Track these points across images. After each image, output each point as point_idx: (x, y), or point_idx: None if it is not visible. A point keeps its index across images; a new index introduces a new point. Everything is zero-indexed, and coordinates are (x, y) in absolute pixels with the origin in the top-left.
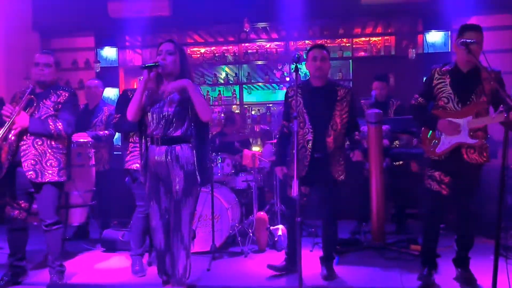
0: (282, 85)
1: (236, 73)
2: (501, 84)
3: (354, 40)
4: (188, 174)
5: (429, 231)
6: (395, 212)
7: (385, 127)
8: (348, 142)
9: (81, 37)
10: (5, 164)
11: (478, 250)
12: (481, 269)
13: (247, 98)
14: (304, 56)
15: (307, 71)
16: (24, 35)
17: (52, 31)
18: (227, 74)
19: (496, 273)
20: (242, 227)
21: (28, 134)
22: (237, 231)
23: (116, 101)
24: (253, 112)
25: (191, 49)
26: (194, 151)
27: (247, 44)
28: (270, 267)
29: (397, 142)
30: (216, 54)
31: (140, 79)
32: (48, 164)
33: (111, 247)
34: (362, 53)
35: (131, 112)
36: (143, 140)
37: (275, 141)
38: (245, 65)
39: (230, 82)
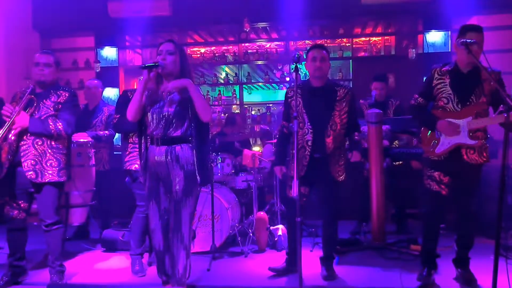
0: (282, 85)
1: (236, 73)
2: (501, 84)
3: (354, 40)
4: (188, 174)
5: (428, 231)
6: (395, 212)
7: (385, 127)
8: (347, 143)
9: (81, 37)
10: (5, 164)
11: (478, 250)
12: (481, 269)
13: (247, 98)
14: (304, 56)
15: (307, 71)
16: (24, 35)
17: (52, 31)
18: (227, 74)
19: (496, 273)
20: (242, 227)
21: (28, 134)
22: (237, 231)
23: (116, 101)
24: (253, 112)
25: (191, 49)
26: (194, 151)
27: (247, 44)
28: (272, 269)
29: (396, 142)
30: (216, 54)
31: (140, 79)
32: (48, 164)
33: (111, 247)
34: (362, 53)
35: (131, 112)
36: (142, 140)
37: (275, 141)
38: (245, 65)
39: (230, 82)
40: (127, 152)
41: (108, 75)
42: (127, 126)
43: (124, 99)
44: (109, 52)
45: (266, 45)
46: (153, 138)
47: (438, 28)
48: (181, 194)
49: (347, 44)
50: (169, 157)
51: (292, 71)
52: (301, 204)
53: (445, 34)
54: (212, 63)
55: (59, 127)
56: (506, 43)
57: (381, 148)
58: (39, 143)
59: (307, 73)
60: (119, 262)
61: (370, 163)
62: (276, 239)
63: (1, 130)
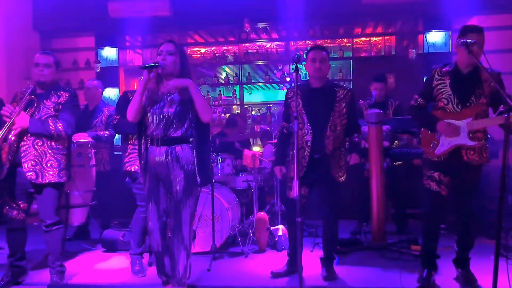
0: (282, 85)
1: (236, 73)
2: (501, 85)
3: (355, 40)
4: (189, 175)
5: (428, 232)
6: (395, 212)
7: (385, 127)
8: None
9: (81, 37)
10: (5, 165)
11: (478, 250)
12: (481, 270)
13: (248, 98)
14: (304, 56)
15: (307, 72)
16: (25, 35)
17: (53, 31)
18: (227, 74)
19: (497, 274)
20: (242, 227)
21: (29, 135)
22: (237, 231)
23: (116, 101)
24: (253, 112)
25: (192, 49)
26: (195, 152)
27: (247, 44)
28: (274, 274)
29: (396, 142)
30: (217, 54)
31: (140, 80)
32: (49, 165)
33: (112, 247)
34: (362, 53)
35: (131, 113)
36: (142, 141)
37: (275, 141)
38: (245, 65)
39: (231, 82)
40: (127, 153)
41: (108, 75)
42: (127, 128)
43: (124, 100)
44: (110, 52)
45: (267, 45)
46: (153, 139)
47: (438, 28)
48: (181, 195)
49: (348, 44)
50: (169, 158)
51: (293, 71)
52: (302, 205)
53: (445, 34)
54: (212, 63)
55: (59, 127)
56: (506, 43)
57: (381, 148)
58: (39, 144)
59: (307, 74)
60: (119, 262)
61: (370, 163)
62: (276, 239)
63: (1, 131)
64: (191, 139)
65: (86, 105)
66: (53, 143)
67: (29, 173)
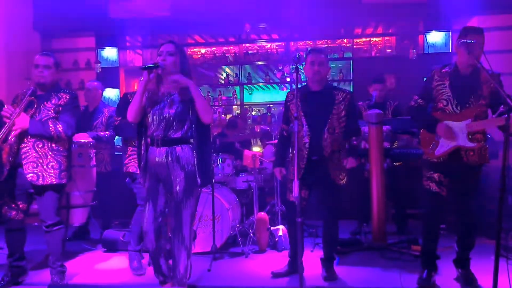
0: (282, 86)
1: (236, 74)
2: (500, 86)
3: (355, 40)
4: (189, 175)
5: (428, 232)
6: (395, 213)
7: (385, 127)
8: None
9: (81, 37)
10: (6, 166)
11: (479, 250)
12: (481, 270)
13: (248, 98)
14: (305, 57)
15: (306, 76)
16: (25, 35)
17: (53, 32)
18: (227, 75)
19: (497, 274)
20: (242, 228)
21: (29, 137)
22: (237, 231)
23: (116, 102)
24: (253, 113)
25: (192, 50)
26: (195, 152)
27: (247, 45)
28: (275, 274)
29: (396, 142)
30: (217, 55)
31: (140, 80)
32: (49, 167)
33: (112, 247)
34: (363, 54)
35: (131, 113)
36: (142, 142)
37: (275, 141)
38: (245, 66)
39: (231, 82)
40: (127, 155)
41: (109, 76)
42: (128, 131)
43: (124, 102)
44: (110, 53)
45: (267, 45)
46: (153, 139)
47: (438, 28)
48: (182, 195)
49: (348, 45)
50: (169, 158)
51: (293, 71)
52: (302, 207)
53: (445, 35)
54: (212, 64)
55: (59, 129)
56: (506, 44)
57: (381, 148)
58: (40, 146)
59: (306, 77)
60: (119, 262)
61: (370, 164)
62: (276, 239)
63: (1, 132)
64: (191, 140)
65: (86, 106)
66: (53, 145)
67: (30, 175)
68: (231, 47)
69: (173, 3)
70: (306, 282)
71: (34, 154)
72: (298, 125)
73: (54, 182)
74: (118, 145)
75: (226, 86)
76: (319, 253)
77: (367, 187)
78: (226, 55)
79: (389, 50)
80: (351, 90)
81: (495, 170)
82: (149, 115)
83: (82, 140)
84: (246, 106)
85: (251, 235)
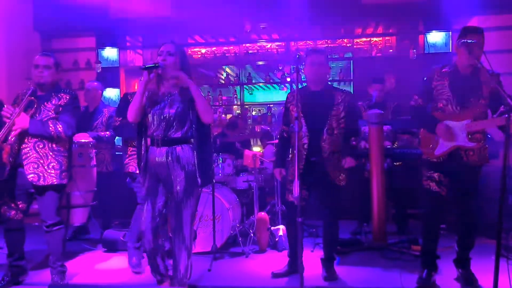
0: (283, 86)
1: (237, 74)
2: (499, 87)
3: (355, 40)
4: (189, 175)
5: (428, 232)
6: (396, 213)
7: (386, 127)
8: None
9: (82, 37)
10: (7, 166)
11: (479, 250)
12: (482, 270)
13: (248, 98)
14: (305, 57)
15: (305, 76)
16: (25, 35)
17: (53, 32)
18: (228, 75)
19: (497, 274)
20: (243, 228)
21: (30, 137)
22: (238, 231)
23: (117, 102)
24: (253, 113)
25: (192, 50)
26: (195, 152)
27: (248, 45)
28: (275, 275)
29: (396, 143)
30: (217, 55)
31: (141, 80)
32: (50, 167)
33: (112, 247)
34: (363, 54)
35: (131, 113)
36: (142, 142)
37: (276, 141)
38: (246, 66)
39: (231, 82)
40: (127, 155)
41: (109, 76)
42: (128, 131)
43: (124, 102)
44: (110, 53)
45: (267, 45)
46: (154, 139)
47: (438, 28)
48: (182, 195)
49: (348, 45)
50: (169, 158)
51: (293, 71)
52: (301, 207)
53: (446, 35)
54: (213, 64)
55: (59, 129)
56: (506, 44)
57: (382, 148)
58: (40, 146)
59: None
60: (120, 262)
61: (371, 164)
62: (277, 239)
63: (1, 131)
64: (191, 140)
65: (86, 106)
66: (54, 145)
67: (31, 176)
68: (232, 47)
69: (174, 3)
70: (306, 282)
71: (34, 155)
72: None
73: (55, 183)
74: (119, 145)
75: (227, 86)
76: (319, 253)
77: (367, 187)
78: (227, 55)
79: (390, 50)
80: (351, 90)
81: (495, 170)
82: (149, 115)
83: (83, 140)
84: (246, 106)
85: (252, 235)
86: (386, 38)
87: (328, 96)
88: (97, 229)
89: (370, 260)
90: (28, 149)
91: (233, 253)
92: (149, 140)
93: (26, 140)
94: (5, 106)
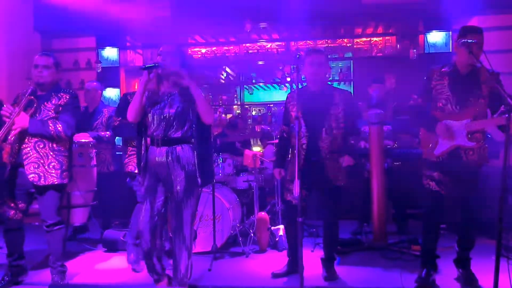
0: (283, 85)
1: (237, 73)
2: (499, 86)
3: (355, 40)
4: (189, 175)
5: (428, 232)
6: (396, 212)
7: (386, 127)
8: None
9: (82, 37)
10: (7, 166)
11: (479, 250)
12: (482, 270)
13: (248, 98)
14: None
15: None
16: (26, 35)
17: (53, 32)
18: (228, 74)
19: (498, 274)
20: (243, 227)
21: (30, 137)
22: (238, 231)
23: (117, 102)
24: (253, 113)
25: (192, 50)
26: (195, 152)
27: (248, 45)
28: (275, 275)
29: (395, 143)
30: (217, 55)
31: (141, 80)
32: (51, 167)
33: (112, 247)
34: (363, 54)
35: (131, 113)
36: (142, 141)
37: (276, 141)
38: (246, 65)
39: (231, 82)
40: (127, 155)
41: (109, 76)
42: (127, 131)
43: (124, 102)
44: (110, 53)
45: (267, 45)
46: (154, 139)
47: (439, 28)
48: (182, 195)
49: (348, 45)
50: (170, 158)
51: (293, 71)
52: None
53: (446, 35)
54: (213, 64)
55: (59, 128)
56: (506, 44)
57: (382, 148)
58: (41, 146)
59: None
60: (120, 262)
61: (371, 164)
62: (277, 239)
63: (1, 131)
64: (192, 140)
65: (86, 107)
66: (54, 145)
67: (32, 176)
68: (232, 47)
69: (174, 3)
70: (306, 282)
71: (35, 155)
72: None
73: (56, 182)
74: (119, 145)
75: (227, 86)
76: (319, 253)
77: (367, 187)
78: (227, 55)
79: (390, 50)
80: (351, 90)
81: (495, 170)
82: (149, 115)
83: (83, 140)
84: (247, 106)
85: (252, 235)
86: (386, 38)
87: (327, 96)
88: (97, 229)
89: (370, 260)
90: (28, 149)
91: (233, 253)
92: (149, 140)
93: (26, 140)
94: (4, 106)
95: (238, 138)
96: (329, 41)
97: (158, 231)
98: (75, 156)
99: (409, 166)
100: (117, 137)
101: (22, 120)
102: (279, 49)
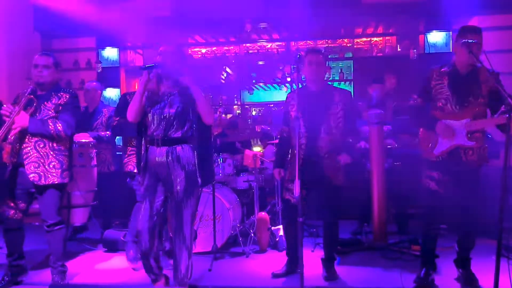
0: (283, 85)
1: (237, 73)
2: (499, 85)
3: (356, 40)
4: (189, 175)
5: (427, 231)
6: (396, 213)
7: (386, 127)
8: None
9: (82, 37)
10: (9, 167)
11: (480, 250)
12: (482, 270)
13: (248, 98)
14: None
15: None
16: (26, 35)
17: (54, 32)
18: (228, 75)
19: (498, 274)
20: (243, 228)
21: (30, 137)
22: (238, 231)
23: (117, 103)
24: (253, 113)
25: (192, 50)
26: (195, 152)
27: (248, 45)
28: (275, 276)
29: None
30: (217, 55)
31: (140, 80)
32: (51, 166)
33: (113, 247)
34: (363, 54)
35: (131, 113)
36: (142, 141)
37: (276, 141)
38: (246, 65)
39: (231, 82)
40: (126, 155)
41: (110, 76)
42: (126, 130)
43: (123, 102)
44: (110, 53)
45: (267, 45)
46: (154, 139)
47: (439, 28)
48: (182, 195)
49: (348, 45)
50: (170, 158)
51: (293, 71)
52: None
53: (446, 34)
54: (213, 64)
55: (59, 127)
56: (506, 43)
57: (382, 148)
58: (41, 146)
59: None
60: (120, 262)
61: (371, 164)
62: (277, 239)
63: (1, 130)
64: (192, 139)
65: (86, 107)
66: (54, 145)
67: (32, 175)
68: (232, 47)
69: (174, 3)
70: (306, 282)
71: (35, 154)
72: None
73: (56, 182)
74: (119, 145)
75: (227, 86)
76: (319, 253)
77: (368, 187)
78: (227, 55)
79: (390, 50)
80: (351, 90)
81: (496, 170)
82: (149, 115)
83: (83, 140)
84: (247, 106)
85: (252, 235)
86: (387, 38)
87: (326, 95)
88: (97, 229)
89: (370, 260)
90: (29, 148)
91: (234, 253)
92: (148, 139)
93: (26, 139)
94: (4, 105)
95: (238, 138)
96: (329, 41)
97: (157, 231)
98: (76, 156)
99: (409, 166)
100: (117, 137)
101: (22, 119)
102: (279, 49)
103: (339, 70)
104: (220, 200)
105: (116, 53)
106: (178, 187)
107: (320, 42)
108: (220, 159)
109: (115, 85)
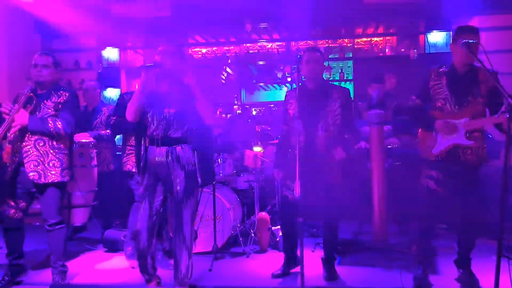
0: (283, 85)
1: (237, 73)
2: (499, 85)
3: (356, 40)
4: (189, 175)
5: (425, 230)
6: (396, 213)
7: (386, 127)
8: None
9: (82, 37)
10: (9, 167)
11: (480, 251)
12: (483, 270)
13: (248, 98)
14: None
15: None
16: (26, 36)
17: (54, 32)
18: (228, 74)
19: (499, 274)
20: (243, 228)
21: (30, 135)
22: (238, 231)
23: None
24: (254, 113)
25: (193, 50)
26: (195, 152)
27: (248, 45)
28: (274, 276)
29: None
30: (218, 55)
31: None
32: (51, 165)
33: (113, 247)
34: (363, 54)
35: (130, 113)
36: (141, 141)
37: (276, 141)
38: (246, 65)
39: (232, 82)
40: (125, 154)
41: (110, 76)
42: (124, 128)
43: (122, 102)
44: (111, 53)
45: (268, 45)
46: (153, 139)
47: (439, 28)
48: (182, 195)
49: (349, 45)
50: (169, 158)
51: (294, 71)
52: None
53: (446, 34)
54: (213, 64)
55: (59, 126)
56: (506, 44)
57: (382, 148)
58: (41, 144)
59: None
60: (120, 262)
61: (371, 164)
62: (277, 239)
63: (1, 128)
64: (191, 139)
65: (85, 106)
66: (54, 143)
67: (32, 174)
68: (232, 47)
69: (174, 3)
70: (307, 282)
71: (35, 153)
72: (297, 124)
73: (56, 180)
74: (119, 145)
75: (227, 86)
76: (319, 253)
77: (368, 187)
78: (227, 55)
79: (390, 50)
80: (352, 90)
81: (496, 170)
82: (149, 115)
83: (83, 140)
84: (247, 106)
85: (252, 235)
86: (387, 38)
87: (324, 92)
88: (98, 229)
89: (370, 260)
90: (28, 147)
91: (234, 253)
92: (148, 139)
93: (26, 138)
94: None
95: (238, 138)
96: (329, 41)
97: (156, 231)
98: (76, 156)
99: (409, 166)
100: (117, 136)
101: (21, 117)
102: (279, 49)
103: (339, 70)
104: (221, 200)
105: (117, 53)
106: (178, 187)
107: (320, 42)
108: (220, 159)
109: (116, 85)
